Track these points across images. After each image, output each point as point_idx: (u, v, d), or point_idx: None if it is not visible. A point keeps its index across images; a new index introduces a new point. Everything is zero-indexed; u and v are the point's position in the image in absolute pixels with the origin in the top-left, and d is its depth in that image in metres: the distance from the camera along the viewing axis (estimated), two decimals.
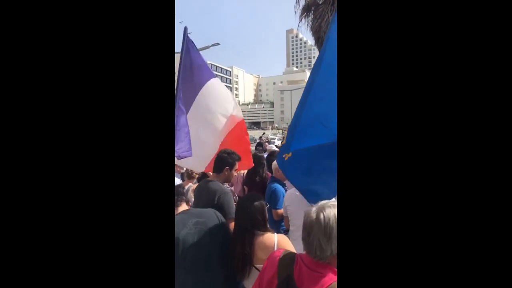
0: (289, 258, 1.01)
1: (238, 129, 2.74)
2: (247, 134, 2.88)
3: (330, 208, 0.92)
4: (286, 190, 2.42)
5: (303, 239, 0.95)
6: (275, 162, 2.76)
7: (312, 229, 0.91)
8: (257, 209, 1.37)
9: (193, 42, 2.56)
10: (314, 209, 0.95)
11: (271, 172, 2.75)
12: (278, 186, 2.43)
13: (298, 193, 2.06)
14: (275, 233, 1.37)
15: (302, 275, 0.91)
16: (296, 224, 2.03)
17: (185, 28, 2.48)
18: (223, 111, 2.67)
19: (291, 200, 2.08)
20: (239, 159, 1.98)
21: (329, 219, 0.89)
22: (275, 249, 1.30)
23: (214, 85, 2.66)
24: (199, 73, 2.56)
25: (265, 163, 3.06)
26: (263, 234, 1.33)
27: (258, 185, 2.84)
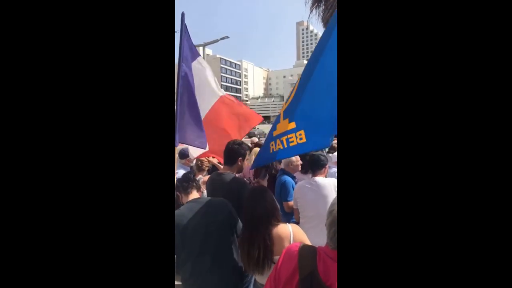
0: (310, 252, 0.94)
1: (220, 104, 2.66)
2: (237, 105, 2.82)
3: None
4: (296, 183, 2.44)
5: (330, 233, 0.90)
6: None
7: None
8: (271, 199, 1.38)
9: (187, 29, 2.50)
10: None
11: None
12: (288, 178, 2.45)
13: (308, 185, 2.08)
14: (288, 224, 1.37)
15: (328, 269, 0.87)
16: (307, 216, 2.05)
17: (182, 14, 2.42)
18: (201, 93, 2.59)
19: (302, 192, 2.10)
20: (249, 148, 2.01)
21: None
22: (291, 239, 1.29)
23: (195, 67, 2.58)
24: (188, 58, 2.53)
25: None
26: (277, 224, 1.32)
27: (270, 178, 2.86)
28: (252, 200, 1.38)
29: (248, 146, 2.04)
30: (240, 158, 1.94)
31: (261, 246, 1.27)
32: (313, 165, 2.17)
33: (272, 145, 1.81)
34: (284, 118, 1.73)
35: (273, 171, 2.86)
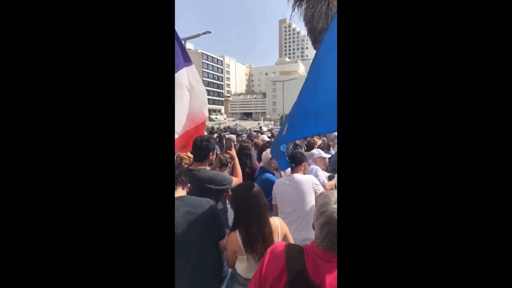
0: (297, 251, 0.91)
1: (195, 130, 2.64)
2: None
3: None
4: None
5: (322, 234, 0.87)
6: (265, 153, 2.80)
7: (331, 221, 0.85)
8: (262, 194, 1.44)
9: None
10: (333, 199, 0.87)
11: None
12: (269, 175, 2.49)
13: (287, 181, 2.12)
14: (275, 217, 1.46)
15: (318, 268, 0.85)
16: (285, 212, 2.10)
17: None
18: (185, 109, 2.58)
19: (281, 188, 2.14)
20: (215, 142, 2.12)
21: None
22: (279, 231, 1.37)
23: (183, 76, 2.54)
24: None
25: (252, 154, 3.15)
26: (269, 218, 1.41)
27: (247, 175, 2.88)
28: (247, 195, 1.42)
29: (215, 140, 2.13)
30: (211, 153, 2.02)
31: (261, 240, 1.33)
32: (291, 162, 2.22)
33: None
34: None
35: (246, 169, 2.89)
